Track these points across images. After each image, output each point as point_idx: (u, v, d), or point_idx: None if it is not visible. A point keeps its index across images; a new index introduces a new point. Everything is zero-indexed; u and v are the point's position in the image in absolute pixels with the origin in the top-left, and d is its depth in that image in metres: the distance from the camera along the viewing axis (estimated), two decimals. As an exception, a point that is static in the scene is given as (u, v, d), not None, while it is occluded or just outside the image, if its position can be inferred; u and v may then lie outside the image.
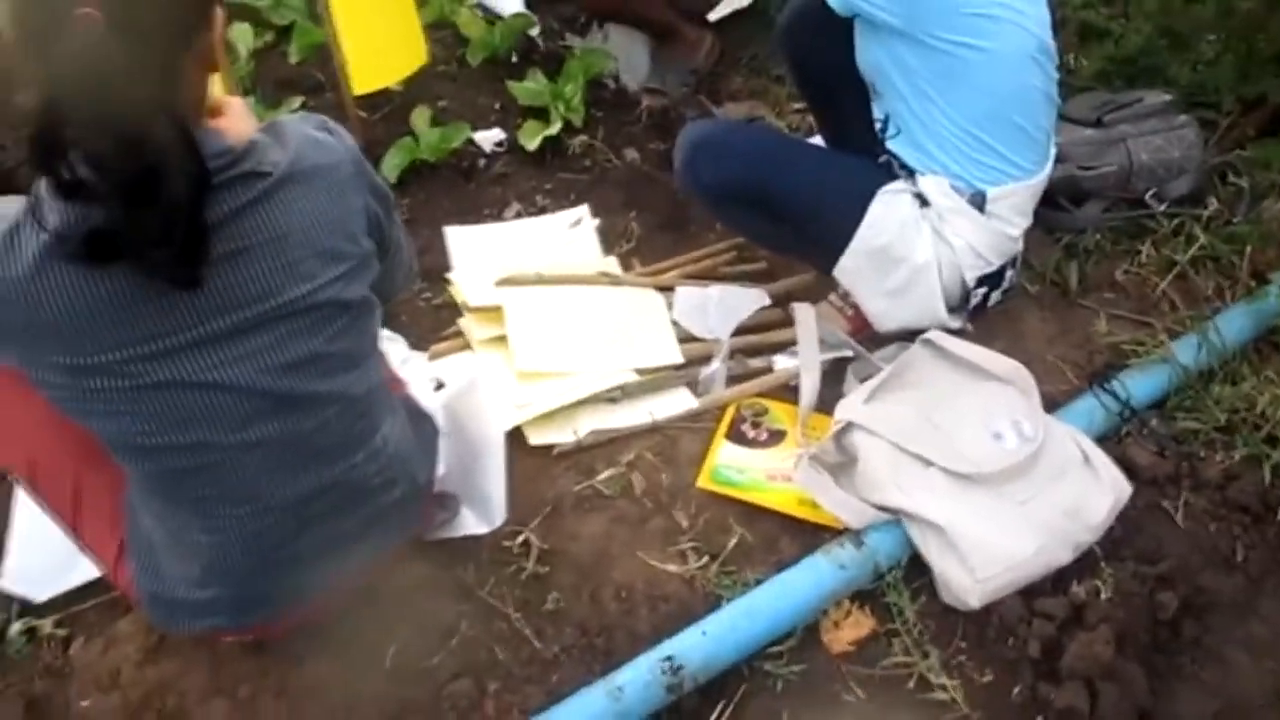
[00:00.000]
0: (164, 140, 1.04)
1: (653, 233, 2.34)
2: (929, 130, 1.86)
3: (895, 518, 1.68)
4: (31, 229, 1.09)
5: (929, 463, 1.69)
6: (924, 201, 1.90)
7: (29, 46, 1.05)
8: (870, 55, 1.90)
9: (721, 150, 1.98)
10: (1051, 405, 1.88)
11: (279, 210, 1.18)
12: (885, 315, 1.98)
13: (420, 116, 2.49)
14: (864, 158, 1.98)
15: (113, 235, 1.06)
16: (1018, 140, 1.86)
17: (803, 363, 1.95)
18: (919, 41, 1.78)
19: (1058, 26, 2.06)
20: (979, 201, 1.88)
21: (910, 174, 1.92)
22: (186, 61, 1.13)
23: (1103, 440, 1.84)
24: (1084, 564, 1.67)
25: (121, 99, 1.00)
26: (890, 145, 1.94)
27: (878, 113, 1.96)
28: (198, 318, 1.16)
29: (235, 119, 1.49)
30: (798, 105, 2.63)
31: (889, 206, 1.90)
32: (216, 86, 1.65)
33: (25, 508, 1.70)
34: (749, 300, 2.08)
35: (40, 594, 1.67)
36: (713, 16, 2.77)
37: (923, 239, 1.89)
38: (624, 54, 2.80)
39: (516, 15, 2.81)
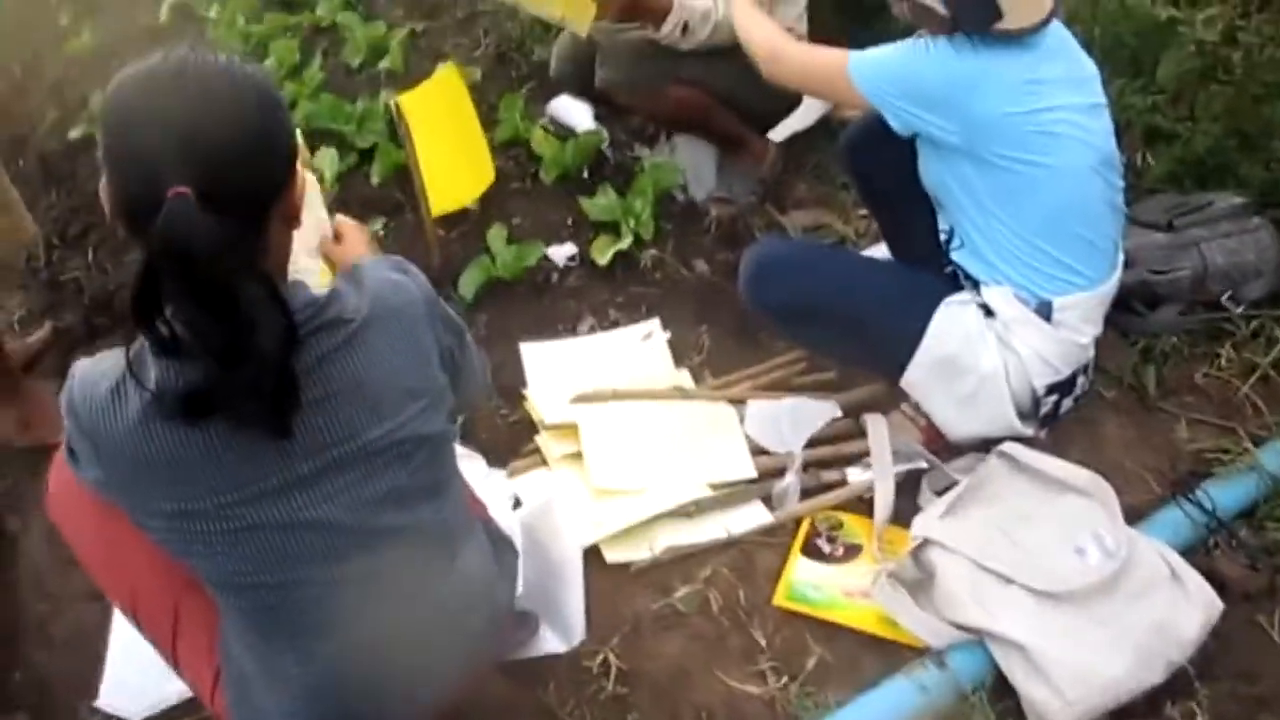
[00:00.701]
0: (253, 300, 1.10)
1: (723, 344, 2.37)
2: (992, 243, 1.88)
3: (978, 637, 1.66)
4: (134, 386, 1.16)
5: (1009, 580, 1.67)
6: (989, 312, 1.91)
7: (129, 221, 1.13)
8: (933, 171, 1.94)
9: (785, 269, 2.03)
10: (1134, 516, 1.85)
11: (361, 355, 1.24)
12: (956, 425, 1.98)
13: (496, 235, 2.59)
14: (927, 269, 2.01)
15: (208, 392, 1.12)
16: (1082, 251, 1.87)
17: (876, 475, 1.95)
18: (981, 159, 1.82)
19: (1121, 131, 2.09)
20: (1045, 311, 1.89)
21: (975, 285, 1.94)
22: (272, 223, 1.19)
23: (1189, 553, 1.79)
24: (1177, 684, 1.63)
25: (212, 265, 1.06)
26: (955, 256, 1.96)
27: (943, 224, 1.98)
28: (287, 462, 1.21)
29: (352, 244, 1.58)
30: (863, 212, 2.66)
31: (953, 317, 1.91)
32: (320, 207, 1.77)
33: (122, 628, 1.77)
34: (820, 412, 2.10)
35: (137, 713, 1.72)
36: (775, 137, 2.84)
37: (988, 348, 1.90)
38: (691, 165, 2.87)
39: (588, 133, 2.91)
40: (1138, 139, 2.51)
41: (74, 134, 3.43)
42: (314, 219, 1.66)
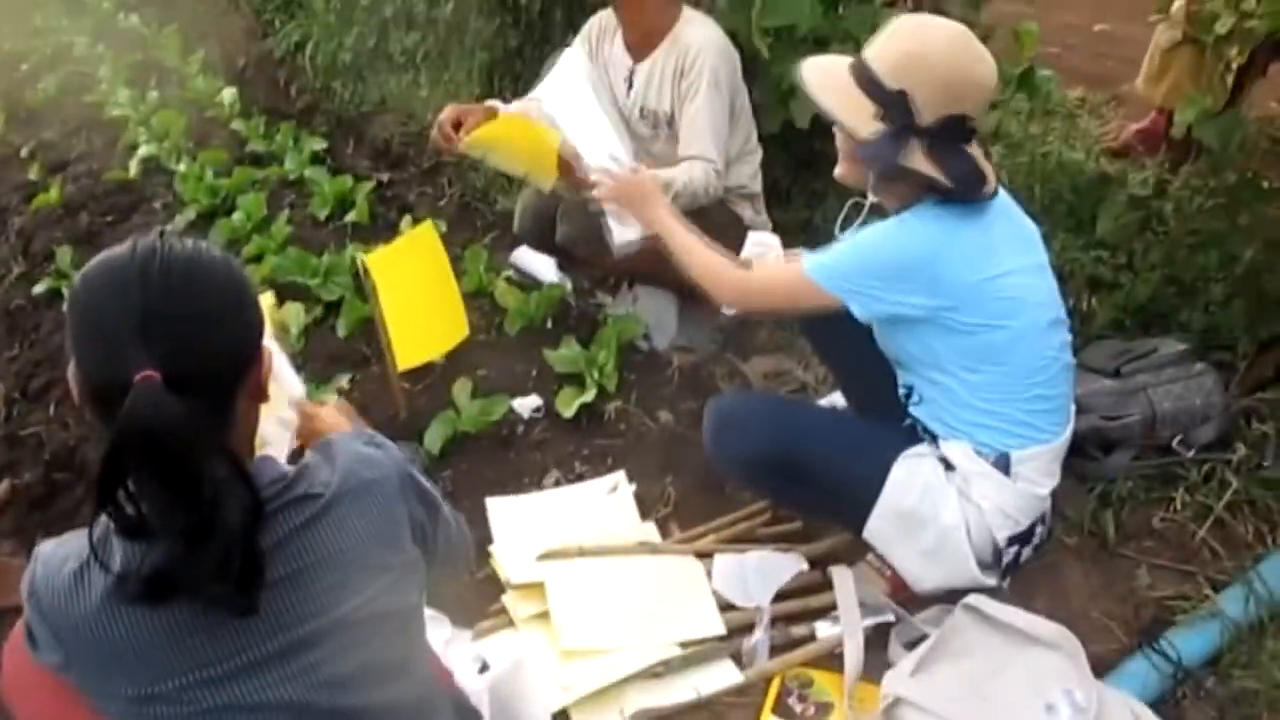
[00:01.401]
0: (218, 479, 1.10)
1: (689, 495, 2.38)
2: (953, 401, 1.92)
3: (952, 801, 1.64)
4: (98, 569, 1.14)
5: (982, 741, 1.66)
6: (948, 465, 1.95)
7: (96, 405, 1.14)
8: (892, 339, 1.98)
9: (745, 425, 2.05)
10: (1101, 667, 1.85)
11: (331, 530, 1.23)
12: (920, 576, 1.98)
13: (461, 389, 2.61)
14: (887, 422, 2.04)
15: (171, 573, 1.11)
16: (1040, 408, 1.92)
17: (845, 630, 1.95)
18: (945, 326, 1.85)
19: (1066, 280, 2.17)
20: (1004, 464, 1.92)
21: (934, 438, 1.98)
22: (239, 400, 1.21)
23: (1158, 705, 1.80)
24: (1153, 846, 1.61)
25: (178, 446, 1.07)
26: (914, 412, 2.00)
27: (902, 381, 2.03)
28: (252, 640, 1.19)
29: (332, 420, 1.59)
30: (822, 359, 2.73)
31: (911, 470, 1.94)
32: (289, 373, 1.78)
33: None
34: (787, 566, 2.10)
35: None
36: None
37: (948, 501, 1.92)
38: (653, 314, 2.93)
39: (551, 286, 2.97)
40: (1082, 287, 2.61)
41: (38, 289, 3.45)
42: (281, 388, 1.68)
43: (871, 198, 1.93)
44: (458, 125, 2.56)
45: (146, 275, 1.13)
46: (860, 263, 1.87)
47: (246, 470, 1.15)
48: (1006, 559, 1.98)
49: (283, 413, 1.67)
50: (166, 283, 1.14)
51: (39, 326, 3.34)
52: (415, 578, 1.36)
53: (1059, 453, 1.98)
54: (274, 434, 1.65)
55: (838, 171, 1.97)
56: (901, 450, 1.96)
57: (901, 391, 2.03)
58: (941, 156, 1.80)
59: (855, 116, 1.82)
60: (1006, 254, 1.87)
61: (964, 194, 1.82)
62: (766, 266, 2.09)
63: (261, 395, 1.27)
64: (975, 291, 1.82)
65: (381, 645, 1.29)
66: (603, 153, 2.49)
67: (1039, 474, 1.94)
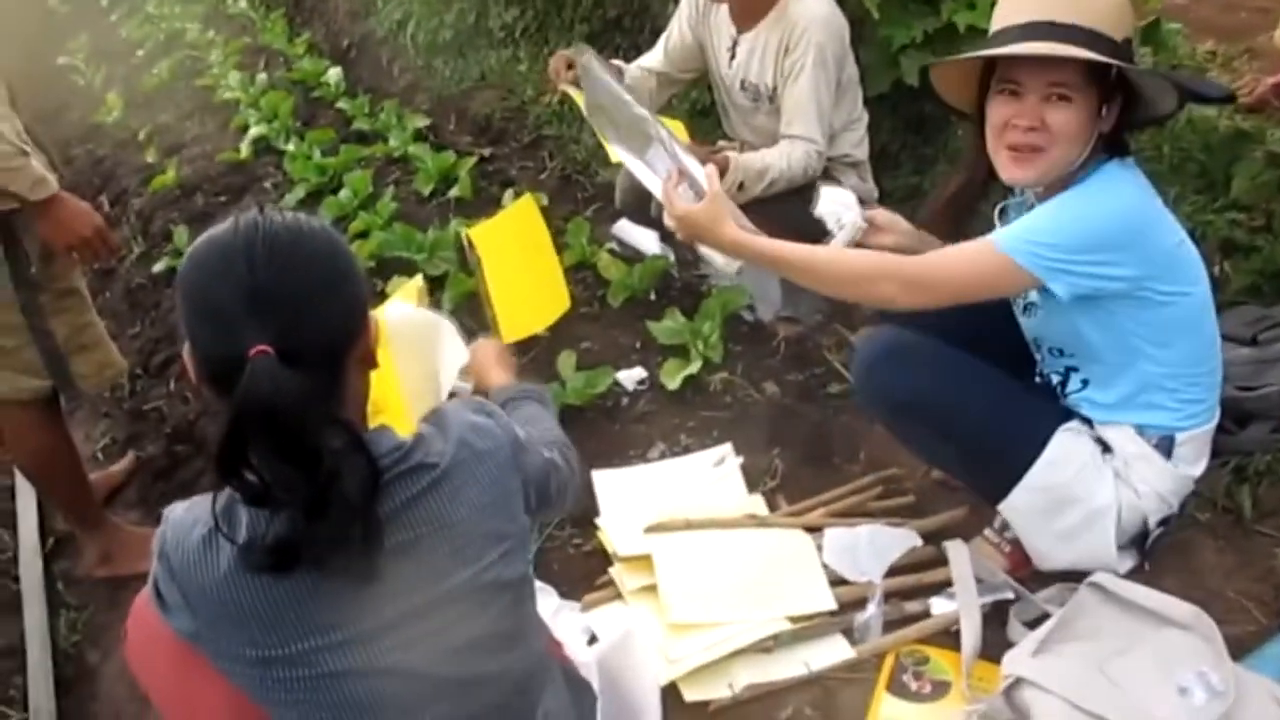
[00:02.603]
0: (336, 450, 1.11)
1: (796, 468, 2.35)
2: (1131, 382, 1.83)
3: (1078, 785, 1.58)
4: (224, 536, 1.17)
5: (1110, 723, 1.59)
6: (1105, 447, 1.87)
7: (213, 383, 1.17)
8: (1068, 323, 1.84)
9: (905, 362, 1.90)
10: (1238, 649, 1.76)
11: (446, 499, 1.24)
12: (1051, 556, 1.91)
13: (566, 362, 2.61)
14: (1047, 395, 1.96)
15: (294, 543, 1.12)
16: (1212, 381, 1.85)
17: (962, 607, 1.89)
18: (1141, 300, 1.74)
19: (1199, 244, 2.06)
20: (1167, 447, 1.85)
21: (1088, 422, 1.89)
22: (350, 370, 1.22)
23: (1303, 691, 1.70)
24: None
25: (296, 418, 1.08)
26: (1073, 399, 1.92)
27: (1054, 366, 1.94)
28: (371, 608, 1.21)
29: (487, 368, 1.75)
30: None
31: (1070, 445, 1.85)
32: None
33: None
34: (900, 540, 2.05)
35: None
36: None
37: (1104, 483, 1.85)
38: (757, 285, 2.89)
39: (655, 257, 2.95)
40: (1215, 252, 2.47)
41: (158, 267, 3.57)
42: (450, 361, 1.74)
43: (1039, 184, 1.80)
44: (570, 65, 2.60)
45: (252, 252, 1.15)
46: (1066, 235, 1.70)
47: (363, 440, 1.16)
48: (1149, 542, 1.90)
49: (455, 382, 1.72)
50: (272, 258, 1.15)
51: (159, 304, 3.46)
52: (526, 548, 1.37)
53: (1212, 432, 1.90)
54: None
55: (1039, 167, 1.75)
56: (1062, 421, 1.87)
57: (1054, 379, 1.94)
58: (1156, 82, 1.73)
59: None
60: (1172, 216, 1.79)
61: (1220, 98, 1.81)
62: (946, 257, 1.80)
63: (371, 363, 1.28)
64: (1172, 256, 1.74)
65: (495, 615, 1.30)
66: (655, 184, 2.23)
67: (1196, 455, 1.88)
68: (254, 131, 4.22)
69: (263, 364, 1.09)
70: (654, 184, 2.14)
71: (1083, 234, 1.70)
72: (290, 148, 4.00)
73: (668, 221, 1.99)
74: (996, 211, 1.98)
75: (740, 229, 1.90)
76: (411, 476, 1.22)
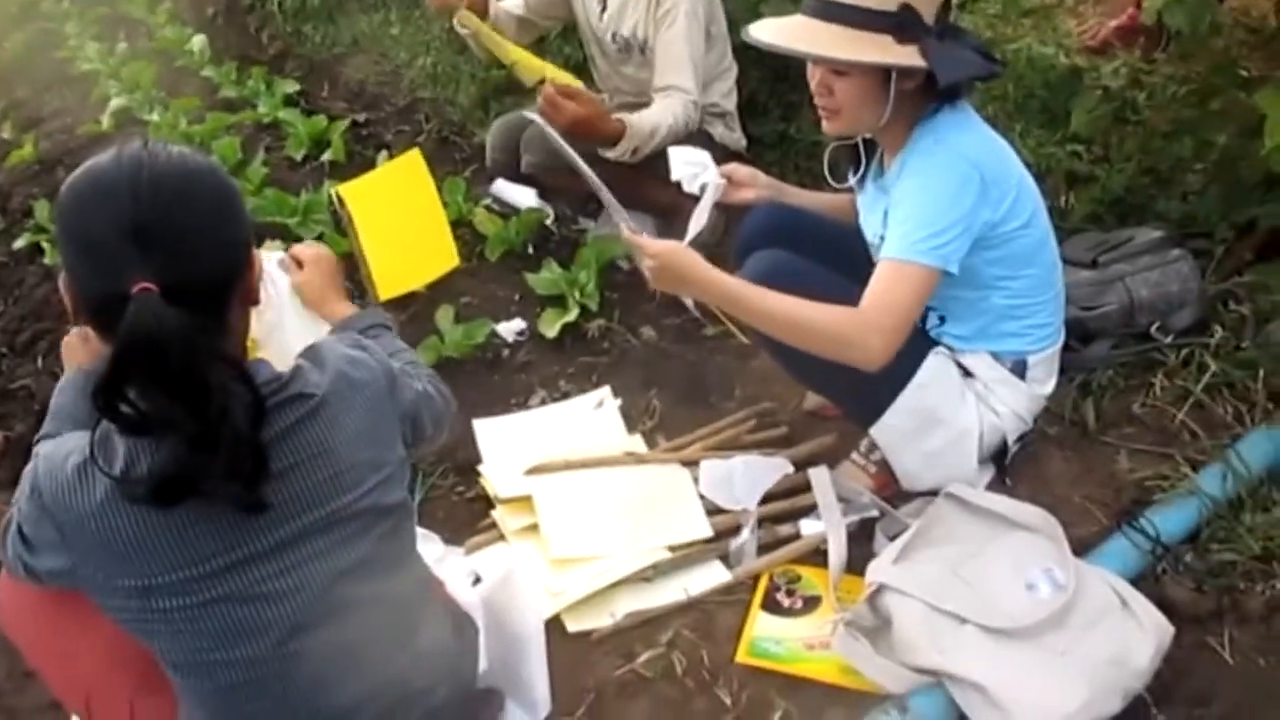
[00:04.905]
0: (222, 383, 1.12)
1: (674, 407, 2.41)
2: (983, 314, 1.94)
3: (938, 680, 1.68)
4: (99, 468, 1.16)
5: (964, 620, 1.69)
6: (966, 373, 1.98)
7: (90, 316, 1.17)
8: None
9: (780, 274, 1.90)
10: (1082, 548, 1.88)
11: (324, 427, 1.26)
12: (918, 477, 2.01)
13: (444, 315, 2.62)
14: None
15: (180, 476, 1.13)
16: (1058, 304, 1.97)
17: (828, 526, 1.98)
18: (988, 240, 1.83)
19: (1043, 177, 2.17)
20: (1020, 369, 1.97)
21: (950, 351, 1.99)
22: (233, 306, 1.23)
23: (1138, 581, 1.83)
24: (1135, 712, 1.64)
25: (182, 354, 1.08)
26: (934, 333, 2.01)
27: None
28: (252, 534, 1.23)
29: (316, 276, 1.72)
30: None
31: (939, 369, 1.94)
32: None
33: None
34: (772, 469, 2.12)
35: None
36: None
37: (967, 406, 1.96)
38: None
39: (530, 210, 2.97)
40: (1060, 183, 2.61)
41: (19, 243, 3.45)
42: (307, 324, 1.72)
43: (866, 135, 1.90)
44: None
45: (136, 186, 1.14)
46: (932, 218, 1.77)
47: (246, 371, 1.17)
48: (1010, 458, 2.03)
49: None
50: (156, 192, 1.14)
51: (22, 281, 3.34)
52: (404, 477, 1.40)
53: (1059, 352, 2.02)
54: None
55: (838, 126, 1.89)
56: (928, 350, 1.96)
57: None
58: (959, 47, 1.79)
59: (880, 52, 1.75)
60: (1011, 153, 1.89)
61: (988, 75, 1.84)
62: (878, 292, 1.78)
63: (253, 299, 1.29)
64: (1015, 196, 1.83)
65: (374, 540, 1.32)
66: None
67: (1047, 374, 2.00)
68: (115, 103, 4.07)
69: (146, 301, 1.08)
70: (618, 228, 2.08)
71: (942, 210, 1.77)
72: (155, 118, 3.87)
73: (645, 270, 1.90)
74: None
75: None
76: (290, 405, 1.24)
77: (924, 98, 1.83)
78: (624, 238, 1.96)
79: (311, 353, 1.33)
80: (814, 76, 1.86)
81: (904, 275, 1.77)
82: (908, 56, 1.76)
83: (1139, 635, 1.68)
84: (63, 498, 1.19)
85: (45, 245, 3.35)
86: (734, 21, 2.83)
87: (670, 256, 1.84)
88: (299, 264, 1.75)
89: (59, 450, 1.22)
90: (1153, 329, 2.29)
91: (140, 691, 1.40)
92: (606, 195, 2.01)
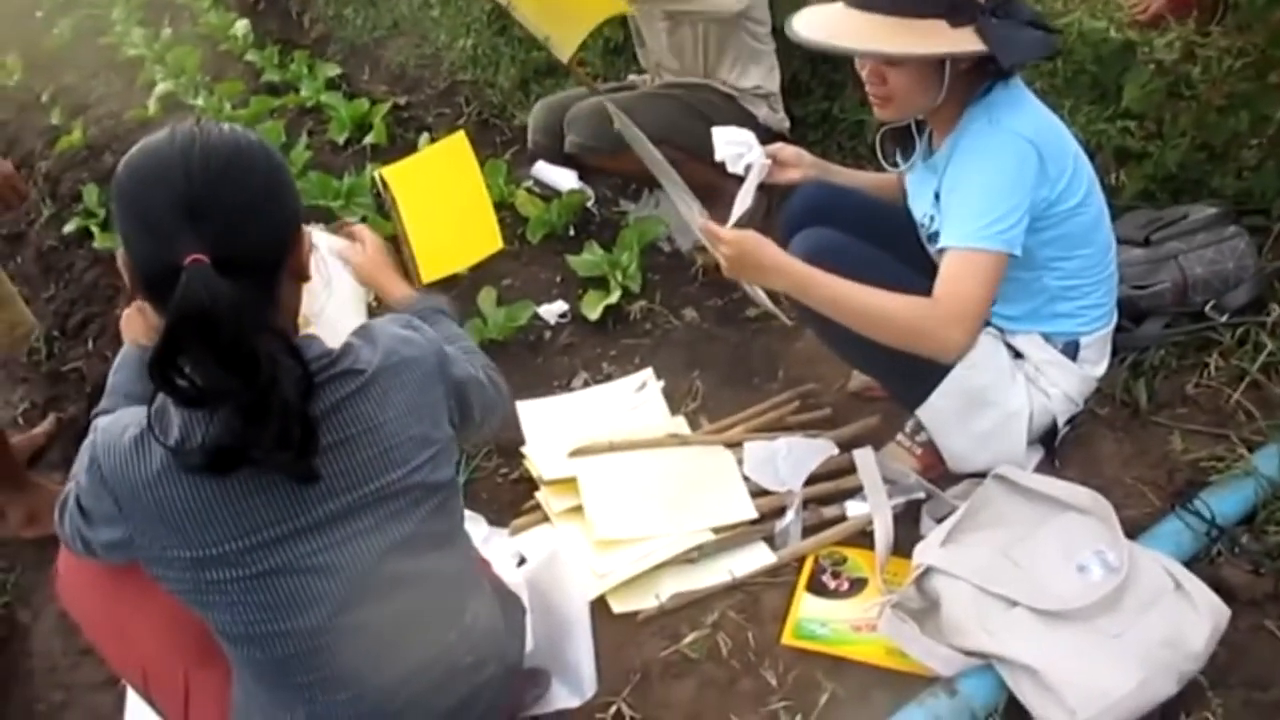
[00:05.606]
0: (272, 356, 1.14)
1: (717, 389, 2.40)
2: (1037, 295, 1.91)
3: (987, 662, 1.66)
4: (155, 439, 1.19)
5: (1013, 603, 1.67)
6: (1016, 354, 1.95)
7: (148, 291, 1.19)
8: None
9: (843, 246, 1.92)
10: (1135, 530, 1.85)
11: (373, 403, 1.28)
12: (966, 458, 1.98)
13: (486, 297, 2.62)
14: None
15: (233, 446, 1.15)
16: (1111, 285, 1.93)
17: (873, 508, 1.96)
18: (1043, 220, 1.81)
19: (1093, 154, 2.13)
20: (1072, 351, 1.95)
21: (1000, 332, 1.96)
22: (283, 281, 1.25)
23: (1192, 563, 1.80)
24: (1190, 695, 1.62)
25: (233, 327, 1.11)
26: None
27: None
28: (304, 506, 1.25)
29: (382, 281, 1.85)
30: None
31: (988, 349, 1.90)
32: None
33: (136, 707, 1.77)
34: (817, 450, 2.11)
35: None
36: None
37: (1017, 387, 1.93)
38: (674, 216, 2.91)
39: (572, 192, 2.96)
40: (1110, 160, 2.55)
41: (69, 228, 3.50)
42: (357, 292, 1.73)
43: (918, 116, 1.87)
44: None
45: (189, 161, 1.17)
46: (993, 201, 1.75)
47: (295, 346, 1.20)
48: (1060, 440, 2.00)
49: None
50: (208, 168, 1.17)
51: (72, 265, 3.40)
52: (452, 455, 1.41)
53: (1112, 333, 1.99)
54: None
55: (891, 113, 1.87)
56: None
57: None
58: (1015, 24, 1.75)
59: (936, 41, 1.72)
60: (1066, 131, 1.85)
61: (1052, 54, 1.81)
62: (947, 283, 1.77)
63: (303, 275, 1.31)
64: (1074, 168, 1.81)
65: (423, 515, 1.34)
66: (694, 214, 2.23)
67: (1099, 355, 1.97)
68: (161, 88, 4.13)
69: (198, 272, 1.11)
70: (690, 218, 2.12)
71: (1003, 193, 1.75)
72: (199, 102, 3.92)
73: (720, 258, 1.89)
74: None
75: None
76: (340, 381, 1.26)
77: (978, 76, 1.80)
78: (699, 226, 1.95)
79: (364, 331, 1.35)
80: (864, 66, 1.84)
81: (973, 263, 1.76)
82: (965, 40, 1.72)
83: (1194, 618, 1.65)
84: (120, 468, 1.21)
85: (94, 230, 3.40)
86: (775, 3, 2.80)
87: (747, 244, 1.83)
88: (357, 241, 1.77)
89: (116, 423, 1.24)
90: (1207, 308, 2.24)
91: (195, 665, 1.44)
92: (680, 185, 2.00)
